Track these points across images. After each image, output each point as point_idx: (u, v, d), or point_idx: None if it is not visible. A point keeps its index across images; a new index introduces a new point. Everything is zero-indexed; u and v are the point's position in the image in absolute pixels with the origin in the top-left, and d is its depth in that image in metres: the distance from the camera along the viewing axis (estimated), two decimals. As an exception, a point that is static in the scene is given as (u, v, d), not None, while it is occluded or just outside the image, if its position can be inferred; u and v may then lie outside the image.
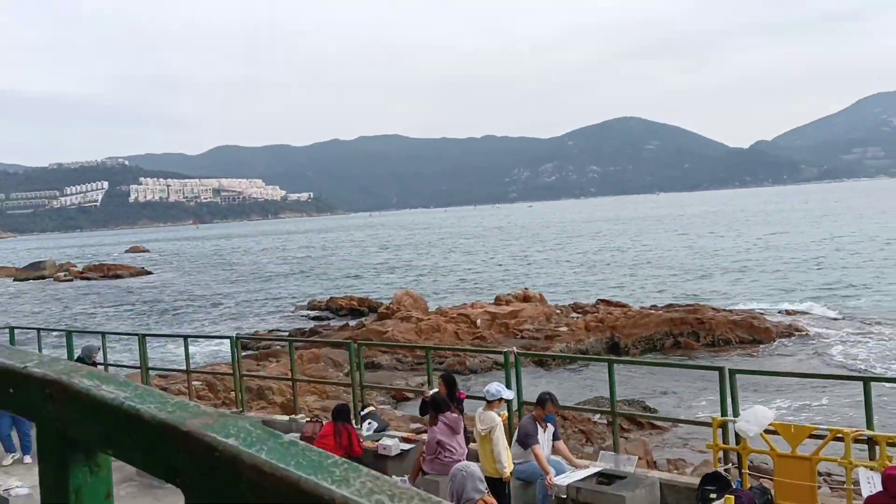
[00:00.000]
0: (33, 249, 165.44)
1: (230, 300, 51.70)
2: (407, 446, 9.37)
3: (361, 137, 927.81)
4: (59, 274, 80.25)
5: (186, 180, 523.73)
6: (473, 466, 4.62)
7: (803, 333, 25.73)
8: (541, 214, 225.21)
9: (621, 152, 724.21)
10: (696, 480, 8.22)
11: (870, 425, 7.18)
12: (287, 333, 33.53)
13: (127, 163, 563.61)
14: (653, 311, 27.62)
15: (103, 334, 15.62)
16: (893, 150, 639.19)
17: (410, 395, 22.19)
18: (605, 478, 7.87)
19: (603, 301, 32.09)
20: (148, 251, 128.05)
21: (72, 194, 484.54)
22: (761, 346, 25.02)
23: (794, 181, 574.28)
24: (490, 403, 7.83)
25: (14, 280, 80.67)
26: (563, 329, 27.67)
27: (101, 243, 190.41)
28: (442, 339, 27.66)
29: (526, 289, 33.62)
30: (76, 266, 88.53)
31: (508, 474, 7.67)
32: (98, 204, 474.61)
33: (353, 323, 33.31)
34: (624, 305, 31.65)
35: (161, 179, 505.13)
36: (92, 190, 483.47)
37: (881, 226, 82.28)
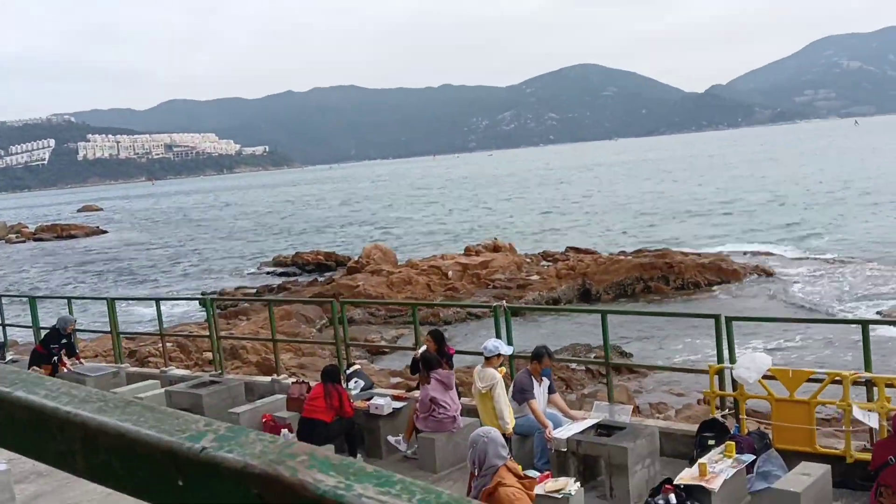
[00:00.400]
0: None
1: (192, 258, 50.92)
2: (399, 404, 9.22)
3: (316, 89, 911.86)
4: (10, 236, 78.15)
5: (137, 136, 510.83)
6: (494, 432, 4.46)
7: (770, 274, 26.09)
8: (502, 163, 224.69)
9: (579, 99, 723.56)
10: (694, 428, 8.22)
11: (868, 368, 7.20)
12: (255, 291, 33.08)
13: (73, 119, 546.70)
14: (622, 258, 27.76)
15: (69, 299, 15.13)
16: (844, 92, 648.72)
17: (387, 349, 22.12)
18: (604, 429, 7.81)
19: (572, 248, 32.17)
20: (101, 210, 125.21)
21: (17, 153, 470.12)
22: (730, 286, 25.35)
23: (749, 124, 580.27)
24: (488, 360, 7.68)
25: (-37, 243, 78.46)
26: (535, 278, 27.71)
27: (51, 203, 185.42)
28: (414, 292, 27.53)
29: (495, 238, 33.50)
30: (28, 227, 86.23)
31: (511, 430, 7.57)
32: (45, 162, 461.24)
33: (321, 278, 32.95)
34: (593, 252, 31.78)
35: (110, 136, 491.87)
36: (38, 148, 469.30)
37: (841, 166, 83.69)
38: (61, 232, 77.76)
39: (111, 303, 14.01)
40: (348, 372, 10.64)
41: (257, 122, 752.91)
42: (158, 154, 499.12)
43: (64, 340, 13.06)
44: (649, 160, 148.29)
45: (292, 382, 10.44)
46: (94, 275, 46.45)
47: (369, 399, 9.37)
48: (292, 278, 35.62)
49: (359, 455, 8.90)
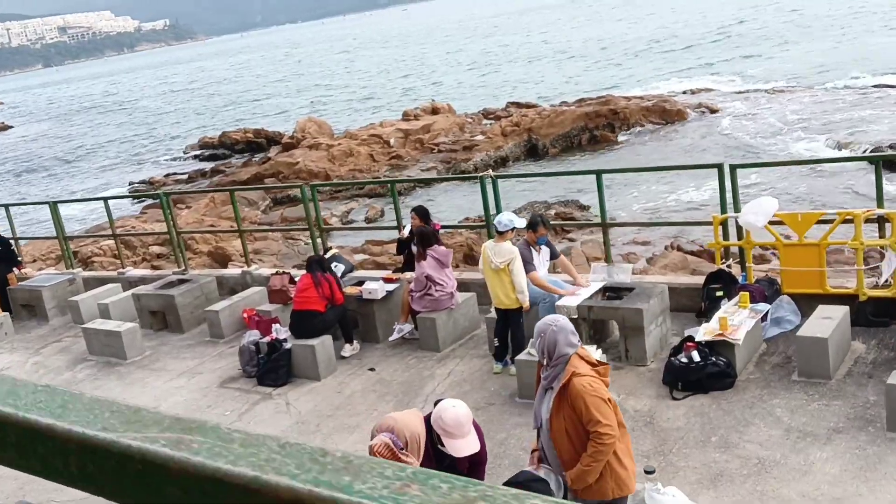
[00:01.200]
0: None
1: (111, 148, 48.47)
2: (391, 286, 8.86)
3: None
4: None
5: (27, 21, 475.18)
6: (563, 320, 4.12)
7: (714, 111, 26.06)
8: (419, 18, 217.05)
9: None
10: (699, 281, 8.11)
11: (880, 203, 7.06)
12: (186, 177, 31.75)
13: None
14: (566, 109, 27.31)
15: (6, 206, 14.04)
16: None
17: (366, 229, 21.57)
18: (614, 291, 7.62)
19: (512, 104, 31.49)
20: (2, 103, 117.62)
21: None
22: (675, 127, 25.31)
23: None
24: (501, 234, 7.31)
25: None
26: (480, 138, 27.13)
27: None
28: (357, 164, 26.81)
29: (432, 100, 32.54)
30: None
31: (528, 304, 7.32)
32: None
33: (256, 158, 31.71)
34: (533, 105, 31.20)
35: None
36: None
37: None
38: (-37, 131, 72.92)
39: (54, 206, 13.02)
40: (327, 256, 10.16)
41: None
42: (53, 38, 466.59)
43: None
44: (566, 4, 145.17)
45: (272, 273, 9.93)
46: (11, 175, 43.92)
47: (360, 284, 8.98)
48: (224, 161, 34.16)
49: (355, 341, 8.60)
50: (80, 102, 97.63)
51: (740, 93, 28.93)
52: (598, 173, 8.31)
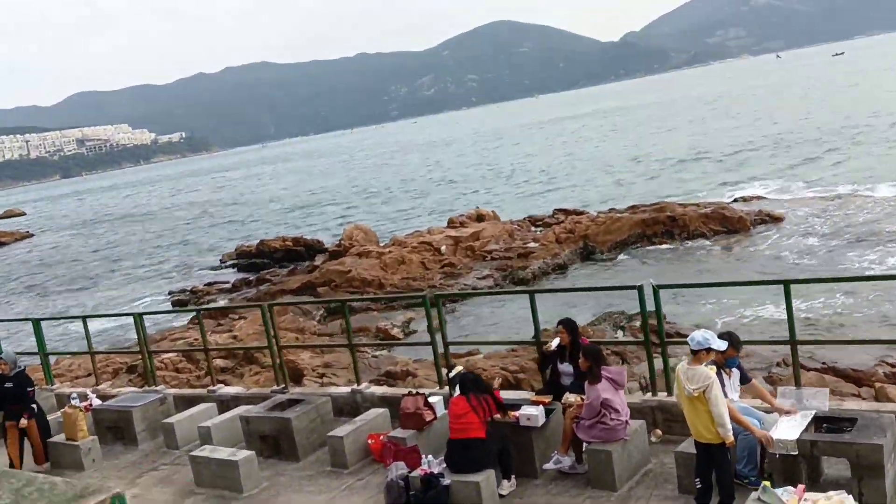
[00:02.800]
0: None
1: (140, 258, 48.10)
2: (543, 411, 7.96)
3: (228, 69, 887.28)
4: (-67, 250, 73.19)
5: (46, 133, 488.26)
6: None
7: (778, 220, 25.55)
8: (432, 130, 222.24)
9: (496, 58, 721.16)
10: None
11: None
12: (230, 285, 31.16)
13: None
14: (623, 215, 26.89)
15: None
16: (752, 29, 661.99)
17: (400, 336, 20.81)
18: (829, 422, 6.73)
19: (560, 210, 31.15)
20: (24, 213, 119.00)
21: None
22: (738, 236, 24.74)
23: (664, 69, 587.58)
24: (696, 354, 6.44)
25: None
26: (534, 245, 26.62)
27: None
28: (409, 271, 26.22)
29: (477, 207, 32.28)
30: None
31: (733, 439, 6.39)
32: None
33: (303, 265, 31.14)
34: (583, 212, 30.87)
35: (18, 136, 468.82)
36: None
37: (802, 98, 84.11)
38: (-12, 240, 73.24)
39: (139, 318, 12.28)
40: (450, 376, 9.31)
41: (170, 108, 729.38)
42: (71, 150, 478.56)
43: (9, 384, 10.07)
44: (592, 113, 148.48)
45: (405, 395, 9.05)
46: (23, 286, 43.29)
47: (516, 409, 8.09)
48: (268, 270, 33.54)
49: (512, 478, 7.65)
50: (103, 212, 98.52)
51: (801, 199, 28.51)
52: (788, 285, 7.53)
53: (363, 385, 10.55)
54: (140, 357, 14.75)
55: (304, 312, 23.86)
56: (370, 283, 25.15)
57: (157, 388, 12.22)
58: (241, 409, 10.26)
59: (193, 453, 9.06)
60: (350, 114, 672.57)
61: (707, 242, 24.60)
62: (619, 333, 17.07)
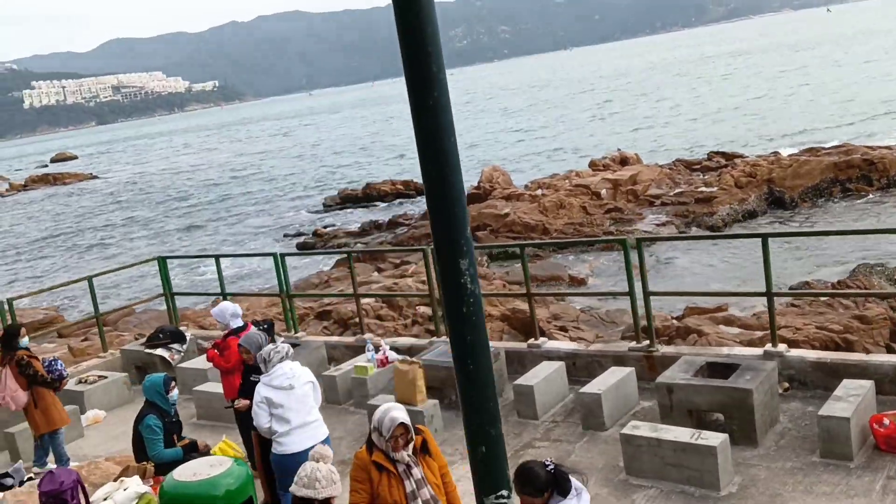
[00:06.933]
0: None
1: (236, 207, 45.29)
2: None
3: (260, 17, 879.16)
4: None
5: (82, 80, 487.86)
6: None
7: None
8: (482, 80, 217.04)
9: (530, 9, 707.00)
10: None
11: None
12: (359, 228, 28.95)
13: (15, 66, 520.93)
14: (811, 157, 24.27)
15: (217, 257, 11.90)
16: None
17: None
18: None
19: (717, 153, 28.49)
20: (77, 157, 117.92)
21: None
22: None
23: (703, 22, 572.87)
24: None
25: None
26: (706, 189, 24.12)
27: (13, 156, 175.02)
28: (571, 216, 23.93)
29: (619, 150, 29.75)
30: (8, 179, 80.00)
31: None
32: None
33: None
34: (739, 155, 28.26)
35: (55, 82, 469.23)
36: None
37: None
38: (53, 181, 72.09)
39: (280, 257, 10.14)
40: None
41: (203, 56, 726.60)
42: (107, 97, 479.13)
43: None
44: (658, 64, 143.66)
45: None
46: (158, 217, 41.28)
47: None
48: (400, 214, 30.91)
49: None
50: (160, 154, 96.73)
51: None
52: None
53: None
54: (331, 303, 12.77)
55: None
56: (533, 228, 22.93)
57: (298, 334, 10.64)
58: (616, 373, 8.15)
59: (625, 431, 6.91)
60: (381, 65, 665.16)
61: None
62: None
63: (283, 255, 11.73)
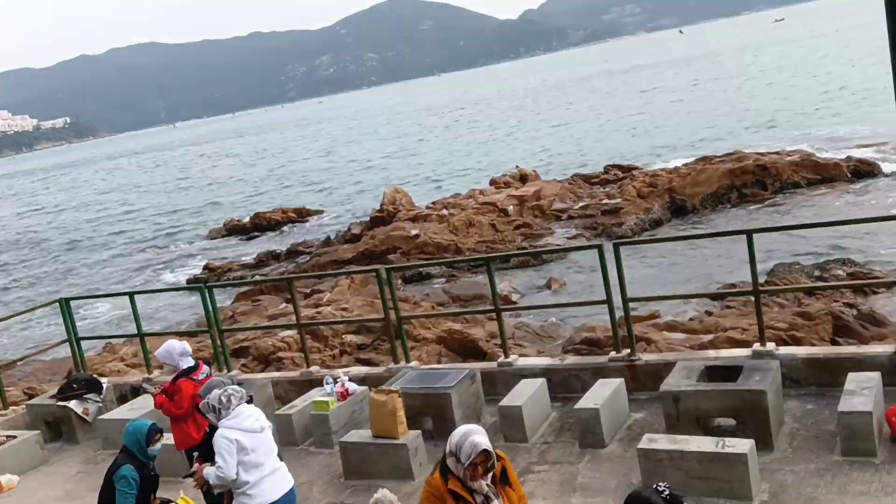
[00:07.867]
0: None
1: (104, 245, 42.57)
2: None
3: (112, 50, 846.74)
4: None
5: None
6: None
7: (870, 164, 24.14)
8: (347, 108, 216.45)
9: (396, 36, 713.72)
10: None
11: None
12: (255, 260, 27.59)
13: None
14: (707, 166, 25.04)
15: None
16: (647, 6, 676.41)
17: None
18: None
19: (614, 166, 28.99)
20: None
21: None
22: (836, 185, 23.26)
23: (564, 46, 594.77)
24: None
25: None
26: (616, 201, 24.40)
27: None
28: (482, 234, 23.67)
29: (517, 167, 29.82)
30: None
31: None
32: None
33: (354, 232, 27.44)
34: (634, 168, 28.91)
35: None
36: None
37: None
38: None
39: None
40: None
41: (52, 92, 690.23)
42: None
43: None
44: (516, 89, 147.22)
45: None
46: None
47: None
48: (297, 243, 29.75)
49: None
50: (23, 202, 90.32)
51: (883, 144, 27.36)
52: None
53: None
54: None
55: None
56: (446, 248, 22.49)
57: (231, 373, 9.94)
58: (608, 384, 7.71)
59: (642, 446, 6.44)
60: (246, 95, 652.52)
61: (809, 192, 23.06)
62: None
63: (210, 287, 10.71)
